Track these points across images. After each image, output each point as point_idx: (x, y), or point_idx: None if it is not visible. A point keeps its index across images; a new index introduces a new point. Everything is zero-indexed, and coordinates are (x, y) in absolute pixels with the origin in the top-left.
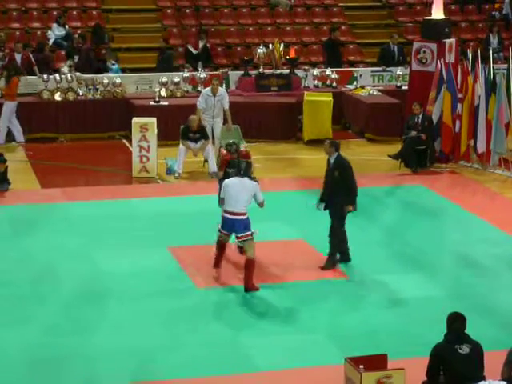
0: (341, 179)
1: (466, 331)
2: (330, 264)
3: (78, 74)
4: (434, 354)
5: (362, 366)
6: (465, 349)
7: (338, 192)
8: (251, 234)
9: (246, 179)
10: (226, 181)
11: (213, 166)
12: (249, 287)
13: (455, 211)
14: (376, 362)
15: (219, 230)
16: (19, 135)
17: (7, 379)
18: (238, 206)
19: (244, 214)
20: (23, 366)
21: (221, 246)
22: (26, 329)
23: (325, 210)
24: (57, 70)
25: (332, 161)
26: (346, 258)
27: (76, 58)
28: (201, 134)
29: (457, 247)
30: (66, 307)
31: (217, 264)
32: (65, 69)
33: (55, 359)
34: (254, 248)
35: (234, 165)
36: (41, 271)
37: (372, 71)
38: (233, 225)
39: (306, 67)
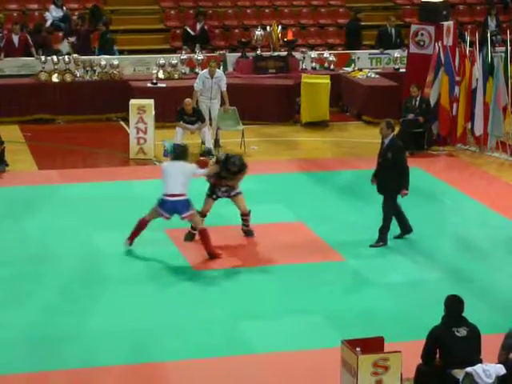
0: (393, 161)
1: (463, 314)
2: (380, 242)
3: (75, 55)
4: (431, 337)
5: (358, 349)
6: (462, 332)
7: (390, 173)
8: (193, 212)
9: (181, 162)
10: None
11: (210, 147)
12: (211, 252)
13: (452, 194)
14: (373, 345)
15: (161, 214)
16: None
17: (5, 358)
18: (176, 188)
19: (178, 196)
20: (21, 345)
21: (144, 224)
22: (24, 308)
23: (378, 191)
24: (56, 52)
25: (386, 142)
26: (408, 230)
27: (73, 39)
28: (196, 116)
29: (454, 230)
30: (63, 288)
31: (132, 239)
32: (65, 45)
33: (53, 339)
34: (199, 220)
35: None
36: (38, 252)
37: (370, 54)
38: (174, 207)
39: (304, 49)
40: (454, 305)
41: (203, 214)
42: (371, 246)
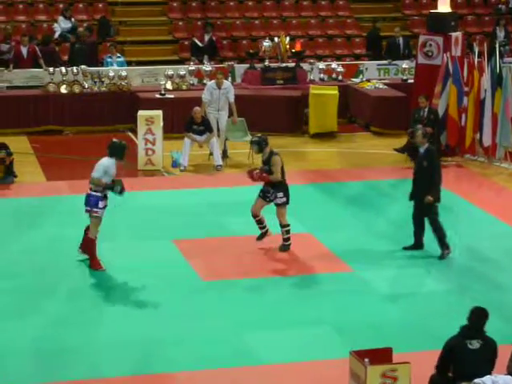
0: (428, 169)
1: (483, 327)
2: (444, 251)
3: (83, 66)
4: (445, 347)
5: (367, 360)
6: (475, 344)
7: (427, 182)
8: (91, 212)
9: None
10: None
11: (218, 159)
12: (91, 266)
13: (461, 204)
14: (381, 356)
15: None
16: None
17: (13, 369)
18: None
19: (90, 189)
20: (29, 356)
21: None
22: (31, 320)
23: (411, 200)
24: (63, 63)
25: (422, 151)
26: (419, 246)
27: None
28: (205, 126)
29: (463, 241)
30: (70, 299)
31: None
32: None
33: (60, 350)
34: (93, 226)
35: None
36: (46, 263)
37: (378, 64)
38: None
39: (312, 60)
40: (472, 316)
41: (253, 215)
42: (440, 258)
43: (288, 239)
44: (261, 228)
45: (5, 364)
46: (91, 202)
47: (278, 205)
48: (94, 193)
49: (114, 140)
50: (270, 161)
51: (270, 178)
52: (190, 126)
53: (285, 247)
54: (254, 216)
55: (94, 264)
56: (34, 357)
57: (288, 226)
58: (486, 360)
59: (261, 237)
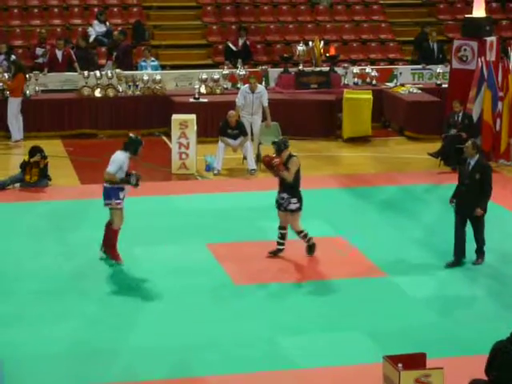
0: (480, 182)
1: None
2: (479, 259)
3: (118, 70)
4: (491, 349)
5: (400, 365)
6: None
7: (478, 195)
8: (112, 204)
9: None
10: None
11: (251, 162)
12: (111, 257)
13: (496, 210)
14: (415, 361)
15: None
16: (17, 133)
17: (50, 372)
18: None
19: (105, 182)
20: (65, 359)
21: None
22: (68, 323)
23: (462, 214)
24: (99, 67)
25: (472, 163)
26: (460, 262)
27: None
28: (239, 130)
29: (498, 246)
30: (104, 303)
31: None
32: (109, 66)
33: (95, 354)
34: (117, 217)
35: None
36: (81, 266)
37: (412, 69)
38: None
39: (346, 65)
40: None
41: (281, 227)
42: (474, 263)
43: (310, 239)
44: (279, 244)
45: (40, 366)
46: (111, 195)
47: (291, 211)
48: (110, 185)
49: (131, 135)
50: (287, 162)
51: (283, 172)
52: (224, 129)
53: (311, 249)
54: (282, 228)
55: (113, 255)
56: (69, 360)
57: (303, 231)
58: None
59: (274, 253)
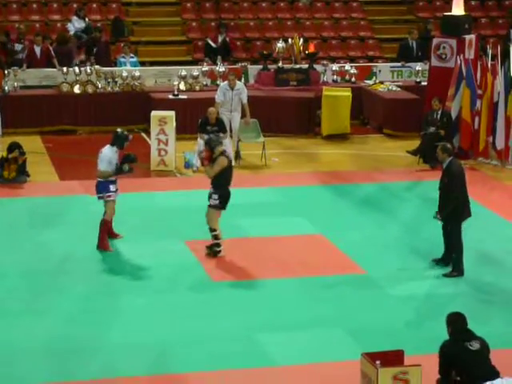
0: (447, 186)
1: (469, 329)
2: (454, 272)
3: (97, 66)
4: (443, 352)
5: (378, 362)
6: (475, 345)
7: (444, 198)
8: (104, 197)
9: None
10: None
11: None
12: (99, 246)
13: (474, 208)
14: (393, 358)
15: None
16: None
17: (27, 368)
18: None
19: (97, 177)
20: (43, 355)
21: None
22: (46, 319)
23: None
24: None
25: (444, 166)
26: (448, 261)
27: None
28: (219, 127)
29: (475, 244)
30: (83, 300)
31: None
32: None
33: (74, 350)
34: (109, 209)
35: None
36: (59, 263)
37: (391, 67)
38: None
39: (325, 62)
40: (458, 320)
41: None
42: (444, 275)
43: (217, 245)
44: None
45: (18, 362)
46: (102, 188)
47: (209, 205)
48: (102, 180)
49: (118, 130)
50: (215, 159)
51: (206, 166)
52: (204, 126)
53: (210, 250)
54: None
55: (103, 245)
56: (47, 356)
57: (216, 230)
58: (487, 359)
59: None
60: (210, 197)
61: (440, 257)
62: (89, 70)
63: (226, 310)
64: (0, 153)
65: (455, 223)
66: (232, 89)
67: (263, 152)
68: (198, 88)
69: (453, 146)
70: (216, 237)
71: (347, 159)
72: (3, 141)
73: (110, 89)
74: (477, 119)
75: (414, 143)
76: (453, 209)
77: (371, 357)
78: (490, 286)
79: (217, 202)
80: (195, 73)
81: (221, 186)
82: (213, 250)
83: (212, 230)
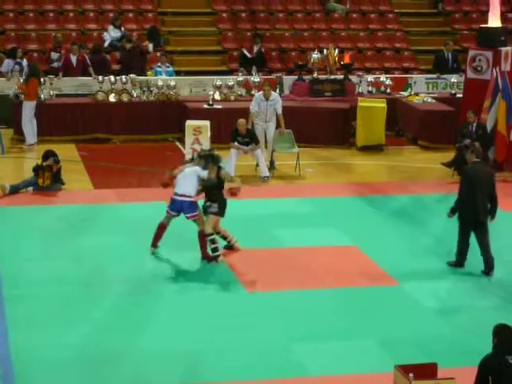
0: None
1: None
2: (453, 262)
3: (132, 75)
4: (482, 366)
5: (411, 374)
6: None
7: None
8: (198, 214)
9: (196, 167)
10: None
11: (264, 170)
12: (204, 256)
13: (508, 220)
14: (426, 371)
15: (168, 212)
16: (31, 137)
17: (59, 378)
18: (186, 190)
19: (191, 197)
20: (74, 364)
21: (163, 226)
22: (78, 328)
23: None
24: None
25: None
26: (461, 264)
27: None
28: (250, 137)
29: (508, 257)
30: (116, 308)
31: (155, 243)
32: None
33: (105, 359)
34: (204, 223)
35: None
36: (92, 271)
37: (426, 78)
38: (181, 206)
39: (361, 73)
40: (504, 332)
41: (215, 232)
42: (448, 263)
43: (215, 250)
44: (228, 241)
45: (50, 372)
46: (194, 207)
47: (210, 212)
48: (191, 199)
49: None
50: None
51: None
52: (234, 137)
53: (210, 259)
54: (217, 233)
55: (206, 254)
56: (79, 365)
57: (211, 234)
58: None
59: (229, 247)
60: (209, 206)
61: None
62: (124, 79)
63: (259, 320)
64: (35, 161)
65: (461, 226)
66: (267, 99)
67: (297, 162)
68: (232, 98)
69: (488, 159)
70: (214, 241)
71: (382, 170)
72: (39, 148)
73: (145, 98)
74: None
75: (449, 155)
76: (460, 212)
77: (404, 369)
78: None
79: (216, 209)
80: (230, 83)
81: (220, 197)
82: (214, 255)
83: (208, 234)
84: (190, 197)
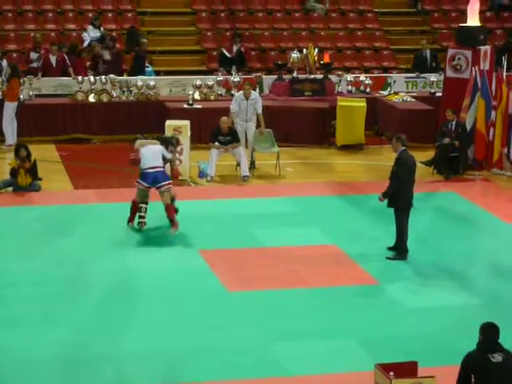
0: (396, 173)
1: (499, 341)
2: (398, 255)
3: (112, 75)
4: (465, 362)
5: (392, 373)
6: (497, 357)
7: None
8: (169, 184)
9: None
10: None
11: (245, 169)
12: (169, 216)
13: (487, 219)
14: (406, 370)
15: (144, 187)
16: (10, 138)
17: (39, 379)
18: (156, 162)
19: (162, 167)
20: (54, 365)
21: (135, 203)
22: (59, 328)
23: (389, 206)
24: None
25: (396, 156)
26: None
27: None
28: (232, 136)
29: (489, 255)
30: (97, 308)
31: (131, 220)
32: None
33: (86, 359)
34: (170, 196)
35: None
36: (73, 271)
37: (406, 77)
38: (155, 176)
39: (340, 72)
40: (489, 330)
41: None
42: (388, 258)
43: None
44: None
45: (31, 372)
46: (167, 175)
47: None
48: (163, 169)
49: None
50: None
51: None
52: (215, 136)
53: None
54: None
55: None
56: (61, 365)
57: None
58: (510, 373)
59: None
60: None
61: (393, 245)
62: (104, 79)
63: (239, 319)
64: (8, 166)
65: (402, 212)
66: (247, 99)
67: (277, 162)
68: (212, 98)
69: (467, 157)
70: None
71: (361, 169)
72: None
73: (124, 98)
74: (491, 130)
75: (429, 154)
76: (401, 198)
77: (385, 368)
78: (504, 297)
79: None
80: (210, 82)
81: None
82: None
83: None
84: (161, 167)
